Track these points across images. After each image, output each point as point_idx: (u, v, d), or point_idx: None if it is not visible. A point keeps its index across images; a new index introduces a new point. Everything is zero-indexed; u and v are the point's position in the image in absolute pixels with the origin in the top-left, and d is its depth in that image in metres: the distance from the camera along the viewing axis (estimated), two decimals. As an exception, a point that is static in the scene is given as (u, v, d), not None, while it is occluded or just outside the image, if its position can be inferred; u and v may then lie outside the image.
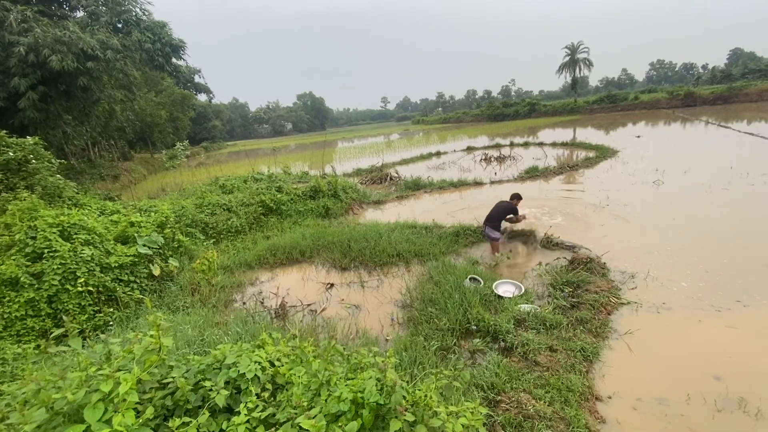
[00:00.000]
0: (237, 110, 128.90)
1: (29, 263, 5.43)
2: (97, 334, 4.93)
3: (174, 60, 20.04)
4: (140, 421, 1.78)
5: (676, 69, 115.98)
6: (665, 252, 6.61)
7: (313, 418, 1.69)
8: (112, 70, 17.26)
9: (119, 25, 18.01)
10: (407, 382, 2.72)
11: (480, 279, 5.84)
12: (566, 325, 4.59)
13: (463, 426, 1.87)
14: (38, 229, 5.73)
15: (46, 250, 5.49)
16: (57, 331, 2.36)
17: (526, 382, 3.62)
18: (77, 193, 10.26)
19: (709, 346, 4.20)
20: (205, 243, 8.93)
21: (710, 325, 4.57)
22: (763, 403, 3.34)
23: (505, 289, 5.62)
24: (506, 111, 63.40)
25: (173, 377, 2.15)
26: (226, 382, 2.24)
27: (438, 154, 24.18)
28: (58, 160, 10.83)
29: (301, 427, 1.73)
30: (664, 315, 4.86)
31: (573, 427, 3.10)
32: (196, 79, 23.50)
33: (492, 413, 3.25)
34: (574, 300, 5.16)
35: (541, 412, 3.22)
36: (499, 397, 3.45)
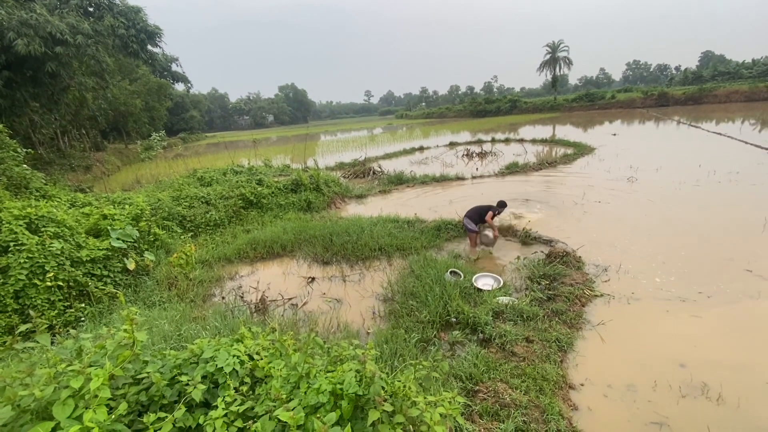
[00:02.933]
0: (216, 101, 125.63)
1: (-7, 257, 5.18)
2: (67, 331, 4.76)
3: (149, 47, 19.25)
4: (113, 417, 1.74)
5: (651, 70, 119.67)
6: (637, 246, 6.87)
7: (292, 410, 1.68)
8: (83, 56, 16.46)
9: (90, 9, 17.16)
10: (387, 373, 2.75)
11: (460, 272, 5.92)
12: (542, 316, 4.72)
13: (440, 415, 1.90)
14: (3, 222, 5.46)
15: (12, 244, 5.25)
16: (23, 327, 2.26)
17: (503, 372, 3.72)
18: (45, 185, 9.83)
19: (675, 335, 4.40)
20: (182, 237, 8.72)
21: (676, 315, 4.79)
22: (724, 389, 3.53)
23: (485, 282, 5.73)
24: (488, 107, 64.05)
25: (148, 372, 2.10)
26: (204, 377, 2.20)
27: (421, 149, 24.27)
28: (25, 150, 10.33)
29: (279, 420, 1.72)
30: (634, 306, 5.06)
31: (547, 415, 3.20)
32: (173, 67, 22.66)
33: (470, 402, 3.32)
34: (550, 292, 5.31)
35: (517, 400, 3.32)
36: (477, 387, 3.53)
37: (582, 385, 3.74)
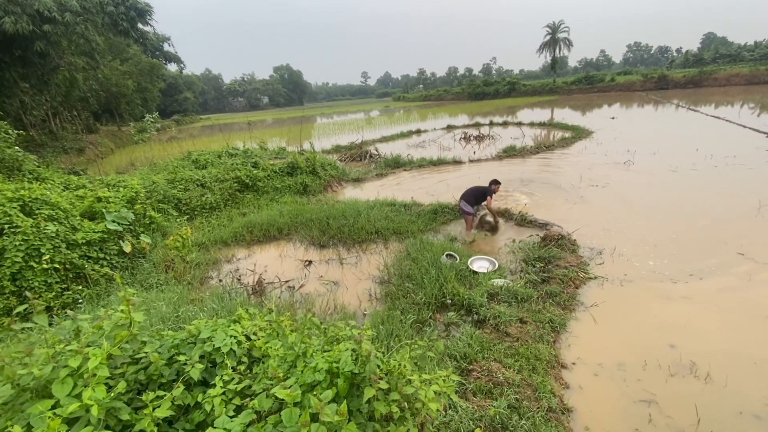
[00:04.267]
0: (210, 82, 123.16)
1: (-12, 240, 5.15)
2: (65, 312, 4.79)
3: (140, 26, 18.78)
4: (111, 395, 1.76)
5: (652, 52, 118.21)
6: (632, 230, 6.92)
7: (289, 388, 1.71)
8: (72, 34, 16.04)
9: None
10: (383, 353, 2.79)
11: (456, 255, 5.96)
12: (536, 298, 4.79)
13: (435, 393, 1.94)
14: (-4, 204, 5.41)
15: (6, 226, 5.21)
16: (20, 307, 2.27)
17: (496, 352, 3.79)
18: (38, 167, 9.73)
19: (666, 317, 4.48)
20: (178, 219, 8.69)
21: (668, 297, 4.86)
22: (712, 368, 3.62)
23: (480, 264, 5.77)
24: (487, 90, 63.26)
25: (146, 352, 2.12)
26: (201, 357, 2.23)
27: (418, 132, 24.05)
28: (16, 131, 10.16)
29: (276, 397, 1.75)
30: (627, 288, 5.13)
31: (539, 393, 3.28)
32: (165, 47, 22.29)
33: (464, 381, 3.40)
34: (544, 275, 5.37)
35: (510, 379, 3.40)
36: (471, 366, 3.60)
37: (574, 364, 3.83)
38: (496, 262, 5.79)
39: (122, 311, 2.15)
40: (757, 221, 6.85)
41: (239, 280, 6.07)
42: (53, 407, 1.65)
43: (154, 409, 1.75)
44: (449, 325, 4.48)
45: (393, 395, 1.80)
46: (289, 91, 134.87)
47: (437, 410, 1.89)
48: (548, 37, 61.99)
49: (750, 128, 15.65)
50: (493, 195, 7.42)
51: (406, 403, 1.89)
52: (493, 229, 7.39)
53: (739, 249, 5.88)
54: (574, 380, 3.62)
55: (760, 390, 3.37)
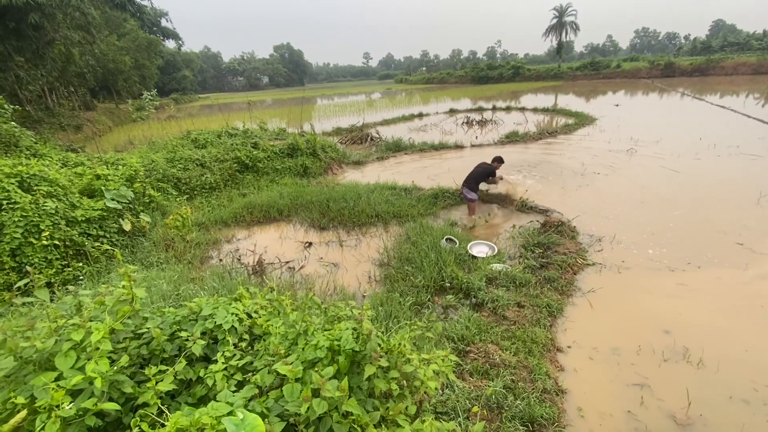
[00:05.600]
0: (209, 60, 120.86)
1: (-14, 215, 5.13)
2: (66, 288, 4.81)
3: (137, -1, 18.30)
4: (115, 368, 1.78)
5: (660, 38, 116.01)
6: (632, 217, 6.92)
7: (290, 364, 1.73)
8: (67, 6, 15.63)
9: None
10: (383, 333, 2.82)
11: (456, 240, 5.98)
12: (535, 283, 4.82)
13: (434, 372, 1.97)
14: (-6, 179, 5.36)
15: (5, 202, 5.19)
16: (21, 282, 2.27)
17: (494, 335, 3.84)
18: (36, 143, 9.61)
19: (662, 304, 4.53)
20: (178, 199, 8.66)
21: (664, 284, 4.90)
22: (705, 354, 3.68)
23: (479, 249, 5.80)
24: (491, 74, 62.25)
25: (148, 328, 2.14)
26: (203, 333, 2.25)
27: (420, 115, 23.77)
28: (12, 107, 10.01)
29: (278, 373, 1.78)
30: (625, 275, 5.17)
31: (535, 374, 3.34)
32: (163, 23, 21.81)
33: (461, 362, 3.45)
34: (543, 260, 5.39)
35: (507, 361, 3.45)
36: (469, 348, 3.65)
37: (569, 347, 3.88)
38: (495, 247, 5.81)
39: (124, 287, 2.16)
40: (757, 211, 6.86)
41: (239, 260, 6.09)
42: (56, 380, 1.67)
43: (156, 382, 1.77)
44: (447, 307, 4.52)
45: (392, 373, 1.83)
46: (289, 71, 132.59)
47: (435, 389, 1.92)
48: (555, 20, 60.65)
49: (755, 118, 15.49)
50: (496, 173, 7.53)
51: (405, 381, 1.92)
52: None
53: (737, 239, 5.90)
54: (569, 363, 3.68)
55: (749, 375, 3.44)
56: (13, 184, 5.44)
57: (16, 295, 2.33)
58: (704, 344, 3.81)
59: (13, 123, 9.28)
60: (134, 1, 18.00)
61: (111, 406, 1.53)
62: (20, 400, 1.52)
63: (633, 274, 5.19)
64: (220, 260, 6.15)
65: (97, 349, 1.76)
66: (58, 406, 1.44)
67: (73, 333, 1.79)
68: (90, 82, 32.40)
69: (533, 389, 3.18)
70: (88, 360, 1.74)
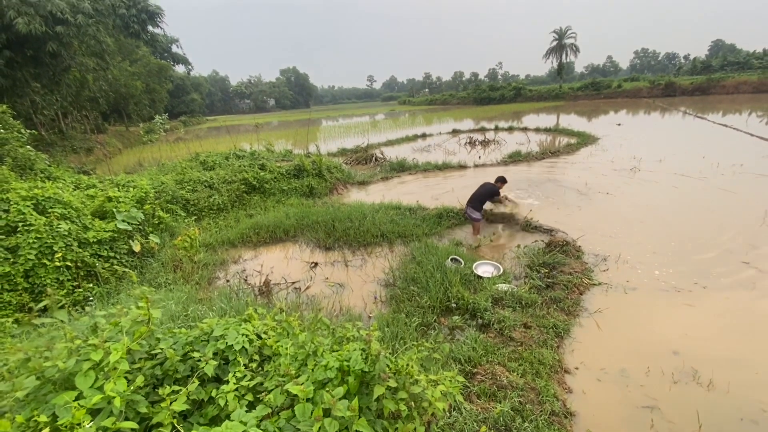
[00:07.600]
0: (217, 84, 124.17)
1: (3, 237, 5.26)
2: (77, 309, 4.88)
3: (150, 28, 19.06)
4: (131, 388, 1.83)
5: (659, 58, 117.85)
6: (637, 237, 6.93)
7: (301, 384, 1.78)
8: (84, 35, 16.31)
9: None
10: (390, 353, 2.85)
11: (461, 260, 6.01)
12: (541, 303, 4.82)
13: (441, 393, 2.00)
14: (11, 202, 5.53)
15: (20, 224, 5.33)
16: (41, 304, 2.35)
17: (500, 356, 3.83)
18: (49, 166, 9.87)
19: (669, 324, 4.50)
20: (186, 220, 8.80)
21: (672, 304, 4.88)
22: (715, 375, 3.64)
23: (485, 269, 5.82)
24: (492, 95, 63.29)
25: (162, 348, 2.20)
26: (214, 354, 2.30)
27: (423, 136, 24.14)
28: (28, 131, 10.34)
29: (289, 393, 1.82)
30: (631, 295, 5.15)
31: (542, 396, 3.32)
32: (174, 49, 22.62)
33: (468, 384, 3.44)
34: (549, 280, 5.40)
35: (514, 382, 3.44)
36: (476, 370, 3.65)
37: (577, 369, 3.86)
38: (500, 267, 5.83)
39: (140, 307, 2.23)
40: (763, 230, 6.84)
41: (246, 280, 6.15)
42: (76, 398, 1.73)
43: (171, 402, 1.82)
44: (454, 328, 4.52)
45: (401, 394, 1.86)
46: (295, 93, 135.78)
47: (443, 410, 1.94)
48: (555, 42, 62.04)
49: (758, 137, 15.58)
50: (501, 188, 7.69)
51: (413, 402, 1.95)
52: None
53: (744, 258, 5.89)
54: (577, 385, 3.65)
55: (758, 396, 3.39)
56: (29, 206, 5.60)
57: (37, 316, 2.41)
58: (714, 366, 3.77)
59: (28, 147, 9.56)
60: (148, 30, 18.74)
61: (129, 425, 1.58)
62: (43, 418, 1.58)
63: (639, 294, 5.17)
64: (228, 281, 6.21)
65: (115, 368, 1.82)
66: (79, 425, 1.50)
67: (93, 353, 1.85)
68: (102, 106, 33.31)
69: (541, 411, 3.16)
70: (106, 380, 1.80)
